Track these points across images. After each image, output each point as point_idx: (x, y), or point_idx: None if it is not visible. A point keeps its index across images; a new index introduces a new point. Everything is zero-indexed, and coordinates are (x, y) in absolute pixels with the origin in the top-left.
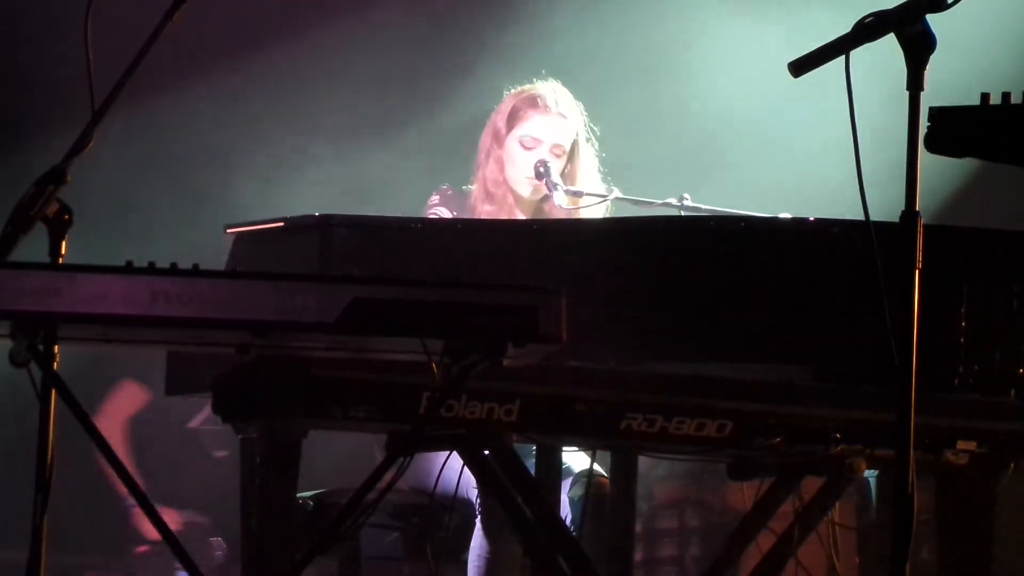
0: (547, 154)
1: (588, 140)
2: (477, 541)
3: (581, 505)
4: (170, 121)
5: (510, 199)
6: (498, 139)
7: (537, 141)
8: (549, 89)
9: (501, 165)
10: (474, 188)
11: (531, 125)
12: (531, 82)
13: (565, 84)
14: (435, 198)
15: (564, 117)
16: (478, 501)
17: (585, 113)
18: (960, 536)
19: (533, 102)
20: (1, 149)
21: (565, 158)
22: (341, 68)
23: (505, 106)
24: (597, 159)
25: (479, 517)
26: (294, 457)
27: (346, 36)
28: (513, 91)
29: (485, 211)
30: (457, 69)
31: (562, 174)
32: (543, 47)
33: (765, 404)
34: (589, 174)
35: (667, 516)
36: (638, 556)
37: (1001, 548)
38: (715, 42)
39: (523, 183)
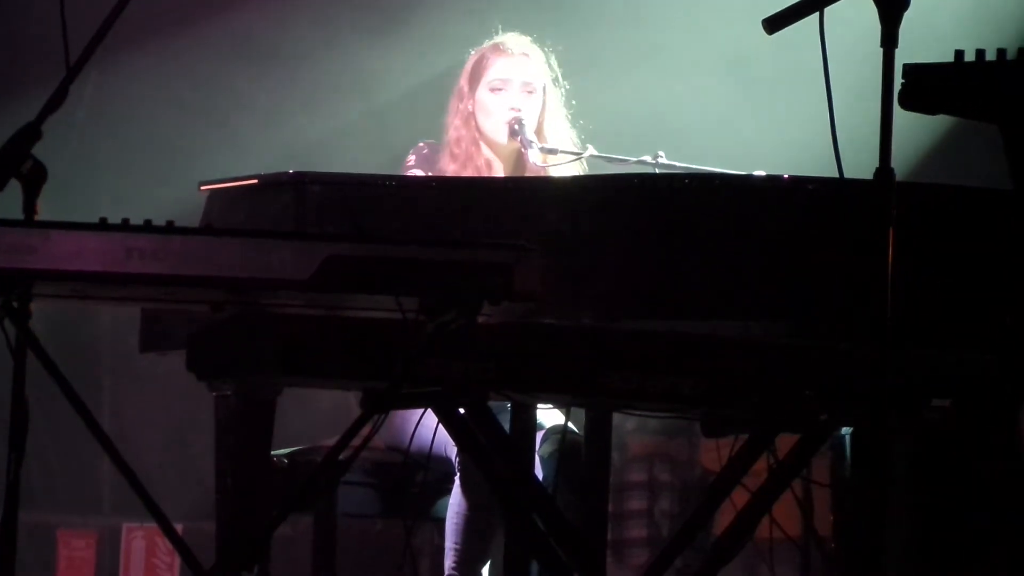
0: (518, 94)
1: (555, 83)
2: (456, 499)
3: (553, 462)
4: (143, 77)
5: (477, 157)
6: (462, 96)
7: (504, 82)
8: (510, 36)
9: (466, 121)
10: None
11: (496, 68)
12: (491, 37)
13: (539, 39)
14: (411, 158)
15: (527, 56)
16: (457, 459)
17: (554, 62)
18: (937, 493)
19: (495, 49)
20: None
21: (540, 105)
22: (314, 21)
23: (468, 63)
24: (567, 109)
25: (458, 475)
26: (268, 414)
27: None
28: (474, 50)
29: (450, 170)
30: (431, 22)
31: (537, 128)
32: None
33: (739, 361)
34: (559, 122)
35: (637, 469)
36: (608, 509)
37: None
38: None
39: (500, 130)
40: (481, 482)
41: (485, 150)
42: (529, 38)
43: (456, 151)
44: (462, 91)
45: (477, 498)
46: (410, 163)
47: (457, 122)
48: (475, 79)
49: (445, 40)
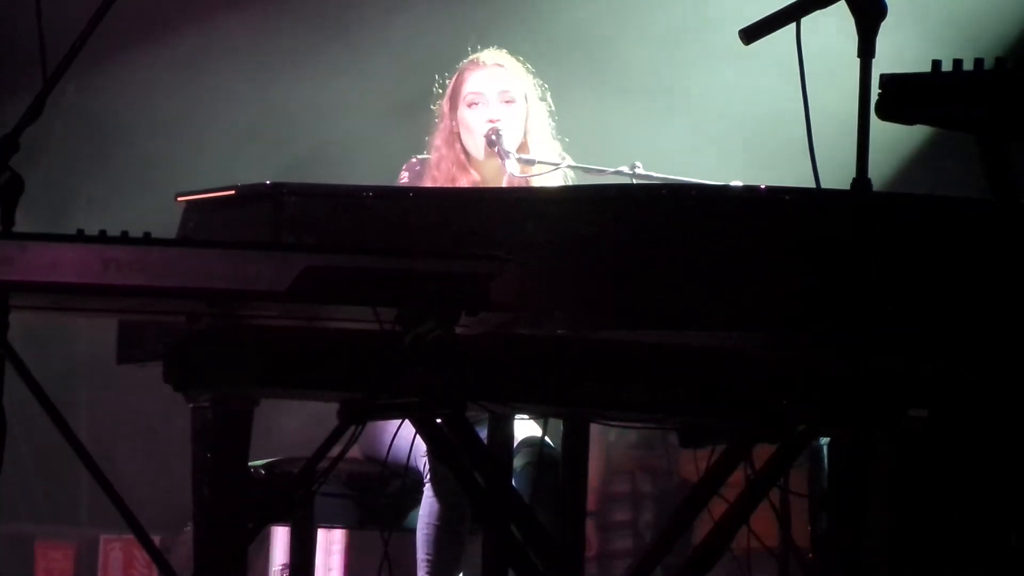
0: (496, 105)
1: (542, 99)
2: (426, 509)
3: (526, 474)
4: (121, 88)
5: (460, 180)
6: (443, 117)
7: (479, 94)
8: (486, 50)
9: (449, 143)
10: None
11: (471, 83)
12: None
13: (518, 50)
14: (404, 175)
15: (501, 66)
16: (427, 468)
17: (535, 74)
18: (915, 503)
19: (469, 64)
20: None
21: (522, 115)
22: (292, 36)
23: (449, 83)
24: (551, 122)
25: (427, 484)
26: (246, 426)
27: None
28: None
29: None
30: (411, 41)
31: (521, 141)
32: (496, 15)
33: (717, 371)
34: (542, 134)
35: (619, 481)
36: (591, 521)
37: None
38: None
39: (481, 146)
40: (451, 491)
41: (472, 172)
42: (505, 50)
43: (436, 174)
44: (443, 112)
45: (448, 505)
46: (403, 180)
47: (438, 142)
48: (455, 98)
49: (424, 59)
